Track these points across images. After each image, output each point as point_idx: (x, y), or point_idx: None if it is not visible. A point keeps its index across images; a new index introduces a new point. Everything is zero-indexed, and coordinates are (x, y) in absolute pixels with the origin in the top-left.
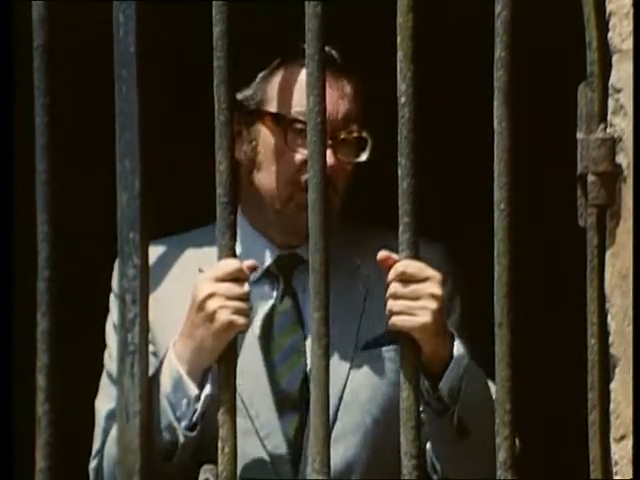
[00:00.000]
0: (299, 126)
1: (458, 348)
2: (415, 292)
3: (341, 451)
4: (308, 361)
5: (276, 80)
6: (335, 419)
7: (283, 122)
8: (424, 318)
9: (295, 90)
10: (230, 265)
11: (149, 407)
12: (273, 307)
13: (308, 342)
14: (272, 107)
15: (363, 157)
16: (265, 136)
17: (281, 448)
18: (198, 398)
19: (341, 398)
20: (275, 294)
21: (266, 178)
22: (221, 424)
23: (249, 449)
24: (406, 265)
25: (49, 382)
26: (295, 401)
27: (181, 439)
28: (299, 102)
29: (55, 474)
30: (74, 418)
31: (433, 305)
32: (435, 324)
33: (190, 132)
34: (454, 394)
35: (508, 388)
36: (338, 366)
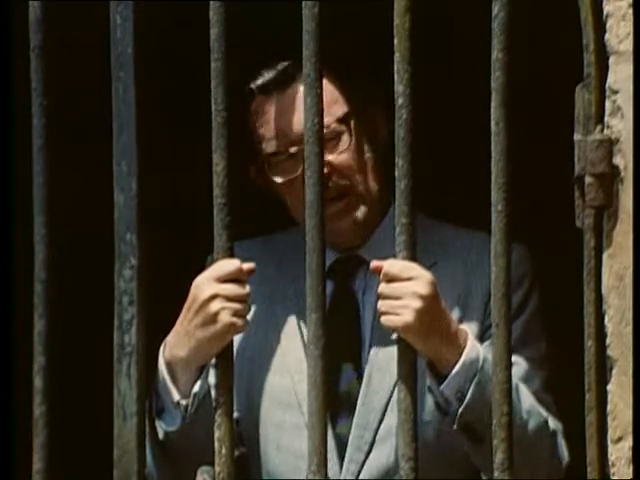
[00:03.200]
0: (280, 157)
1: (470, 351)
2: (398, 291)
3: (386, 451)
4: (362, 362)
5: (252, 119)
6: (382, 417)
7: (269, 159)
8: (406, 317)
9: (265, 123)
10: (230, 265)
11: (146, 408)
12: (330, 309)
13: (365, 343)
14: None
15: (344, 146)
16: (262, 173)
17: (330, 445)
18: (184, 398)
19: (390, 395)
20: (332, 296)
21: (288, 206)
22: (218, 425)
23: (301, 445)
24: (390, 265)
25: (46, 384)
26: (346, 401)
27: (161, 436)
28: (270, 134)
29: (52, 476)
30: (72, 420)
31: (416, 304)
32: (419, 323)
33: (188, 133)
34: (462, 397)
35: (506, 390)
36: (391, 364)
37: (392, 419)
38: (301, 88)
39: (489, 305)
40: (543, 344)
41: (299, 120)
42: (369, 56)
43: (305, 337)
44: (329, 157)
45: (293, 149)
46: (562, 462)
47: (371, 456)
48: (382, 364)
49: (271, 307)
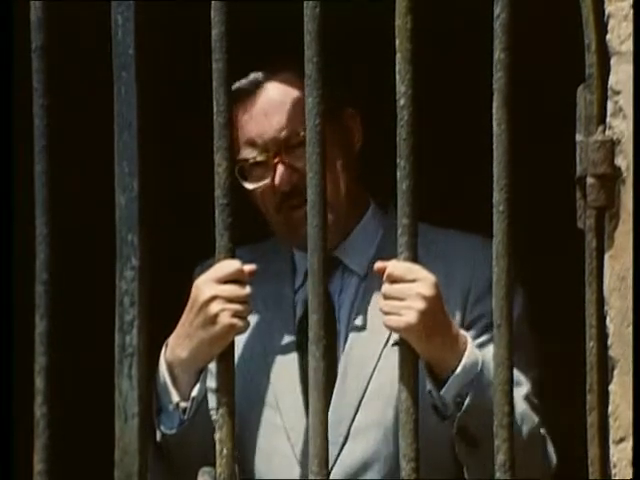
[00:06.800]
0: (249, 162)
1: (470, 355)
2: (401, 292)
3: (360, 446)
4: (338, 361)
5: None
6: (356, 412)
7: (241, 165)
8: (408, 318)
9: (237, 130)
10: (231, 266)
11: (147, 409)
12: (307, 310)
13: (340, 343)
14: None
15: None
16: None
17: (304, 444)
18: (184, 401)
19: (365, 391)
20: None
21: (263, 211)
22: (219, 426)
23: (276, 443)
24: (394, 266)
25: (47, 384)
26: None
27: (158, 438)
28: (242, 141)
29: (53, 477)
30: (73, 421)
31: (419, 305)
32: (422, 325)
33: (189, 134)
34: (461, 401)
35: (507, 391)
36: (366, 359)
37: (365, 415)
38: (271, 94)
39: (468, 304)
40: (530, 348)
41: (267, 127)
42: (344, 56)
43: (285, 340)
44: (299, 164)
45: (261, 157)
46: (551, 465)
47: (344, 450)
48: (357, 362)
49: (255, 310)
